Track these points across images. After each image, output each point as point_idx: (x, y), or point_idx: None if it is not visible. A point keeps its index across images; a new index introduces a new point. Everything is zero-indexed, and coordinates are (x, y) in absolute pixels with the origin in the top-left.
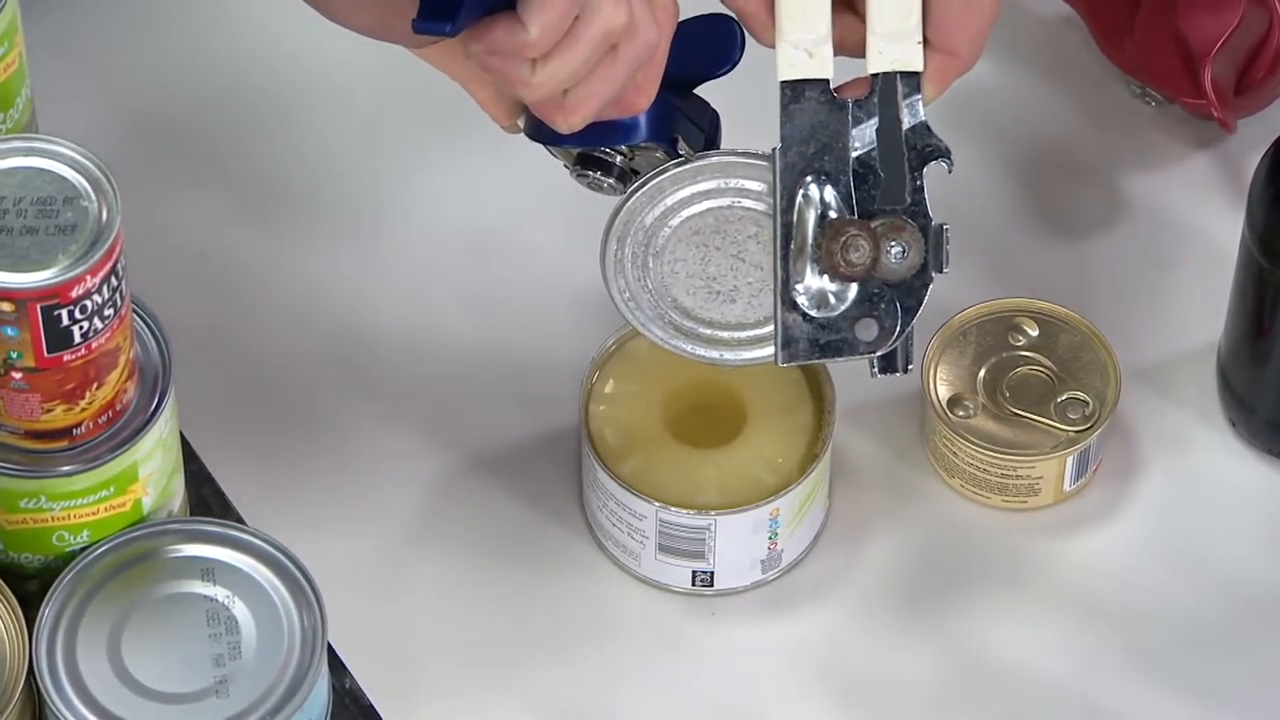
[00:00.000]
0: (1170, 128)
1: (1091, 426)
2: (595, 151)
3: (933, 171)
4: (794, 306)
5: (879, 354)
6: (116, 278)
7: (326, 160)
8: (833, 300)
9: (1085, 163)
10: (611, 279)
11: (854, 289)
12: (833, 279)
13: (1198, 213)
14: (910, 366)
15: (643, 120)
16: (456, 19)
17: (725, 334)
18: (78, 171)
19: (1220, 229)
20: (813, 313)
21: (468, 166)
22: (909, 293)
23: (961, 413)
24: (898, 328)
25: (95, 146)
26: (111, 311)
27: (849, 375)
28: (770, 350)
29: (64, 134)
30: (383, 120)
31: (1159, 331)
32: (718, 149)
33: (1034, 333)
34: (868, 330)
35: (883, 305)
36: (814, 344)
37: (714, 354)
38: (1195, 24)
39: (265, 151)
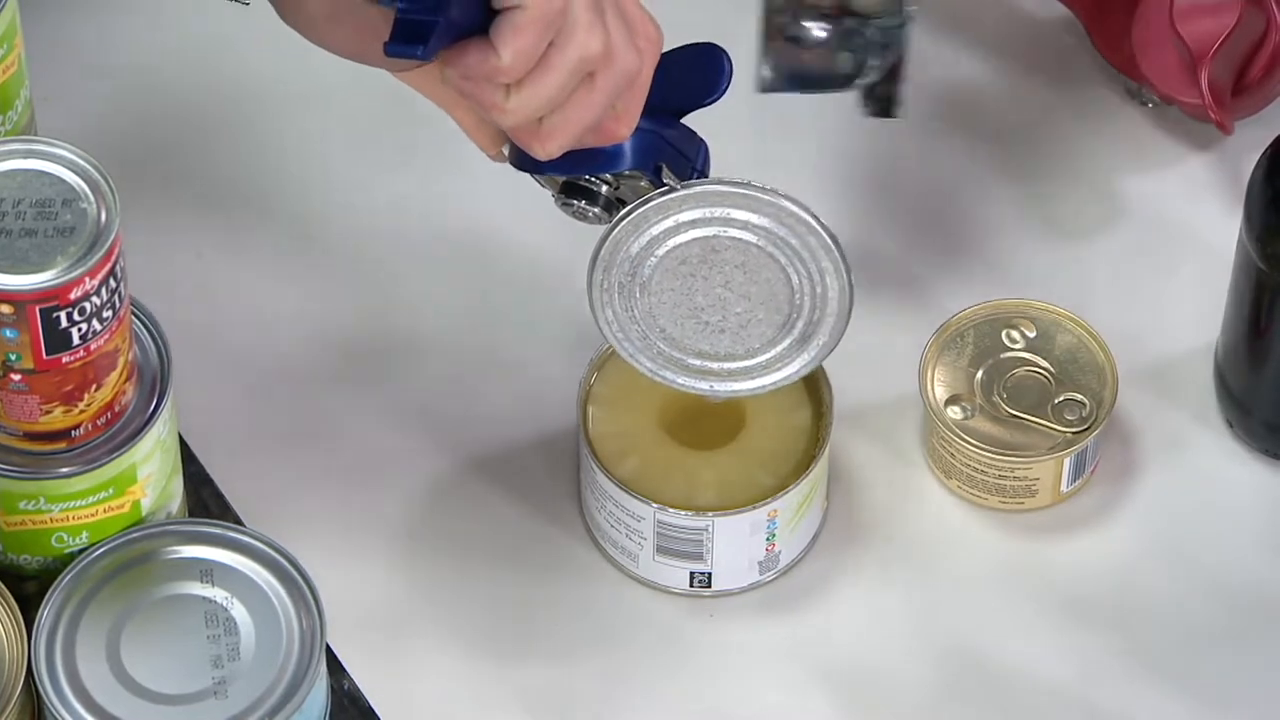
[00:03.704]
0: (1168, 129)
1: (1089, 428)
2: (580, 180)
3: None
4: (778, 33)
5: (864, 85)
6: (115, 279)
7: (325, 161)
8: (814, 36)
9: (1083, 164)
10: (599, 309)
11: (833, 28)
12: (810, 20)
13: (1195, 214)
14: (899, 111)
15: (627, 148)
16: (428, 43)
17: (714, 365)
18: (76, 174)
19: (1217, 230)
20: (793, 42)
21: (466, 167)
22: (887, 33)
23: (959, 414)
24: (877, 62)
25: (94, 149)
26: (110, 313)
27: (847, 377)
28: (761, 381)
29: (63, 136)
30: (382, 122)
31: (1156, 333)
32: (707, 178)
33: (1031, 334)
34: (846, 64)
35: (861, 41)
36: (794, 75)
37: (703, 385)
38: (1193, 26)
39: (263, 153)
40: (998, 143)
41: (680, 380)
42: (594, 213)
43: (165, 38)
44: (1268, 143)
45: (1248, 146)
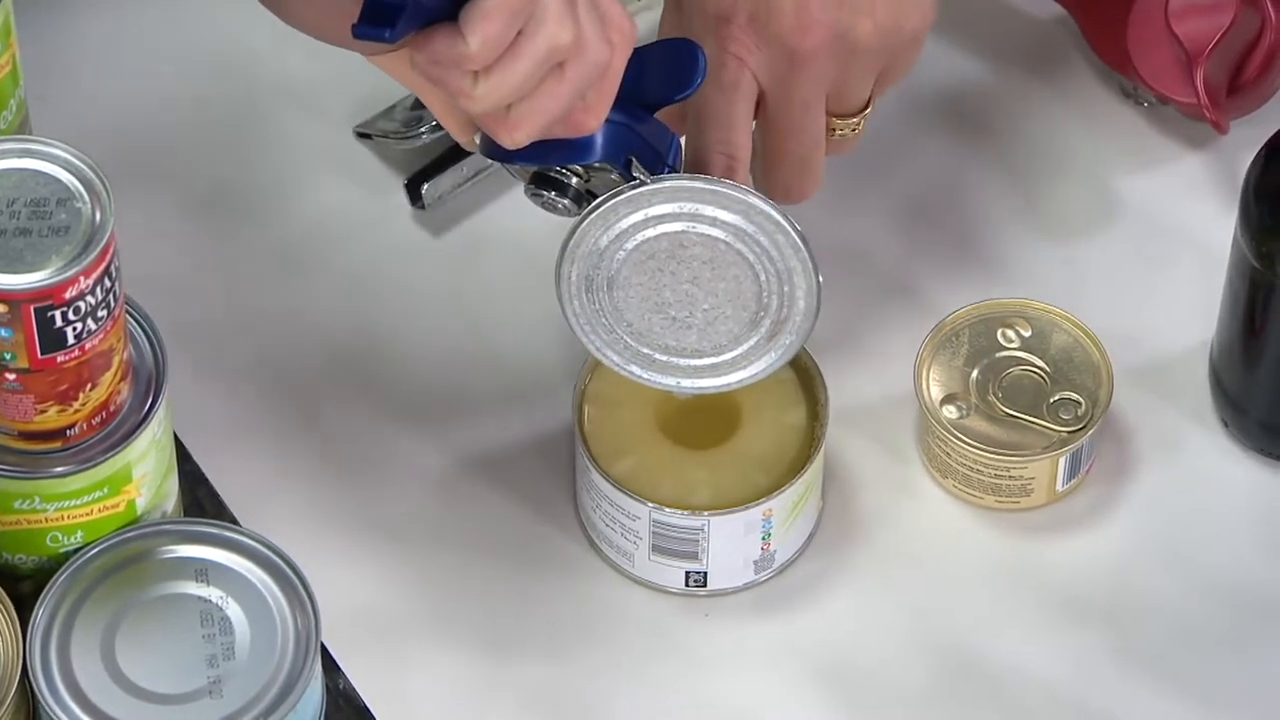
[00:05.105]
0: (1163, 128)
1: (1084, 427)
2: (550, 171)
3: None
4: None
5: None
6: (110, 279)
7: (320, 160)
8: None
9: (1078, 164)
10: (566, 302)
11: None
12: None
13: (1190, 213)
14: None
15: (597, 140)
16: (395, 26)
17: (681, 361)
18: (71, 173)
19: (1213, 230)
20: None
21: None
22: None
23: (954, 413)
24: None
25: (88, 148)
26: (105, 312)
27: (842, 377)
28: (728, 379)
29: (57, 136)
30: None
31: (1151, 332)
32: (677, 173)
33: (1026, 333)
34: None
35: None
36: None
37: (670, 381)
38: (1188, 25)
39: (259, 152)
40: (992, 142)
41: (646, 375)
42: (563, 204)
43: (161, 37)
44: (1263, 142)
45: (1243, 145)
